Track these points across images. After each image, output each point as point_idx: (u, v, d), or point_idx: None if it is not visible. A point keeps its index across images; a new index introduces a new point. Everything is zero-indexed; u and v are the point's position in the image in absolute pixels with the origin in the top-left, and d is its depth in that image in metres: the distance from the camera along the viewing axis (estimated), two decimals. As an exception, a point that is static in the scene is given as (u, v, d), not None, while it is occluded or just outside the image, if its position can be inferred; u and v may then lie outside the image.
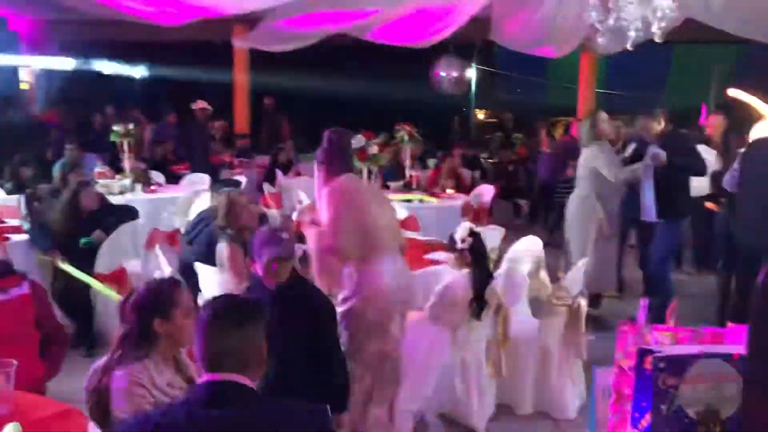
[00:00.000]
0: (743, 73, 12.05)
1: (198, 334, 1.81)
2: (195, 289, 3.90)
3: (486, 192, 7.22)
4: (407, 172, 7.43)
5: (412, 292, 3.54)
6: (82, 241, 4.97)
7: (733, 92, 5.77)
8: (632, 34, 4.86)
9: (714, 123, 7.75)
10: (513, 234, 5.49)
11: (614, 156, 5.68)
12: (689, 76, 12.38)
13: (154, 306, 2.32)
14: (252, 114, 10.85)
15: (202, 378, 1.81)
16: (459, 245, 3.66)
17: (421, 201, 6.85)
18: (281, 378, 2.57)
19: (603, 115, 5.81)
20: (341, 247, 3.25)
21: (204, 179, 7.60)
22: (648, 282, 5.73)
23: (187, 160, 9.13)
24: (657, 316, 5.36)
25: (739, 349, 1.56)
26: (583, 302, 4.15)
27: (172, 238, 5.43)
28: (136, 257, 5.41)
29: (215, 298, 1.92)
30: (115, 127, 7.82)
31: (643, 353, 1.59)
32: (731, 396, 1.55)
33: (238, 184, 4.89)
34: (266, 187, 8.12)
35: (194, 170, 8.38)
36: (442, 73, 11.05)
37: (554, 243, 7.61)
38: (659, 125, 5.40)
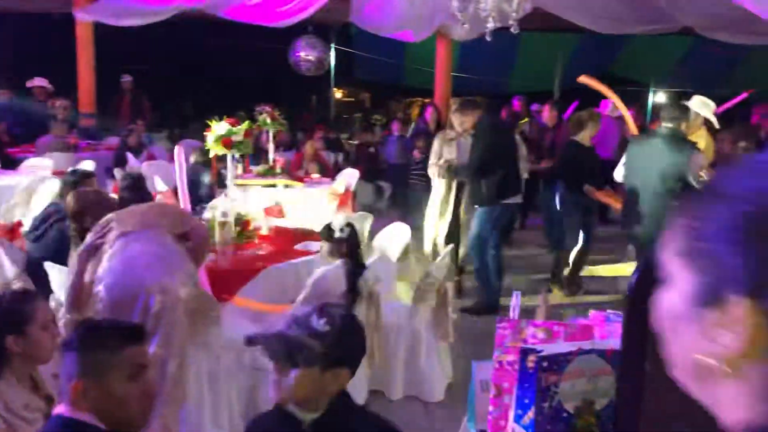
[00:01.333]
0: (582, 60, 12.97)
1: (64, 362, 1.65)
2: (45, 290, 3.58)
3: (350, 176, 7.22)
4: (270, 157, 7.25)
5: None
6: None
7: (582, 79, 6.14)
8: (490, 25, 5.01)
9: (548, 113, 8.33)
10: (376, 217, 5.59)
11: (449, 146, 5.89)
12: (534, 62, 13.02)
13: (6, 322, 2.09)
14: (102, 92, 10.09)
15: (59, 408, 1.66)
16: (337, 235, 3.64)
17: (285, 186, 6.73)
18: None
19: (453, 104, 6.02)
20: None
21: (47, 164, 7.00)
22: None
23: (24, 143, 8.35)
24: (484, 301, 5.54)
25: (612, 344, 1.67)
26: (450, 286, 4.29)
27: (12, 232, 4.94)
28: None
29: (93, 324, 1.75)
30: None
31: (525, 352, 1.66)
32: (605, 389, 1.65)
33: (90, 175, 4.50)
34: (117, 172, 7.60)
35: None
36: (302, 54, 10.87)
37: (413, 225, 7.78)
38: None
